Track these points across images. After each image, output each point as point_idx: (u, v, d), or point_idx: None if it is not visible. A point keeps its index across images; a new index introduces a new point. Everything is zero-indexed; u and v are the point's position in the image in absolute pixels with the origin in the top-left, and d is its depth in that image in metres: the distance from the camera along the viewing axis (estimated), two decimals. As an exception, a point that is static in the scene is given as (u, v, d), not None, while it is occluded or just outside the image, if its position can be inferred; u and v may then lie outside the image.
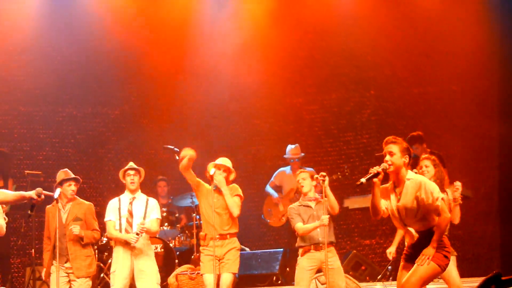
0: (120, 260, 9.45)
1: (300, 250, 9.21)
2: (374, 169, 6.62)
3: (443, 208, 6.63)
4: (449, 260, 6.69)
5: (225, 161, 9.40)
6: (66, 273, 9.38)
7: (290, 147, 12.13)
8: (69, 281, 9.42)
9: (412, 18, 12.40)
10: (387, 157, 6.72)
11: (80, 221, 9.48)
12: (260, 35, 12.81)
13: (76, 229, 9.34)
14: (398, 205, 6.71)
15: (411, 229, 6.73)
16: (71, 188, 9.51)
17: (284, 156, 12.09)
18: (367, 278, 11.12)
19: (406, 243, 6.89)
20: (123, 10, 12.83)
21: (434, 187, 6.72)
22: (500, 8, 11.85)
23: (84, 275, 9.46)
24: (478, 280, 10.40)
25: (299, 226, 9.00)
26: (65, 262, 9.37)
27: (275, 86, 13.26)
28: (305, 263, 9.10)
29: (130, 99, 13.58)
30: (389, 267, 11.14)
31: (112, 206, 9.72)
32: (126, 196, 9.71)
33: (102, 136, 13.56)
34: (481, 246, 11.56)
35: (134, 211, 9.58)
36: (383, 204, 6.77)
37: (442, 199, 6.65)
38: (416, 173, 7.19)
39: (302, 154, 12.08)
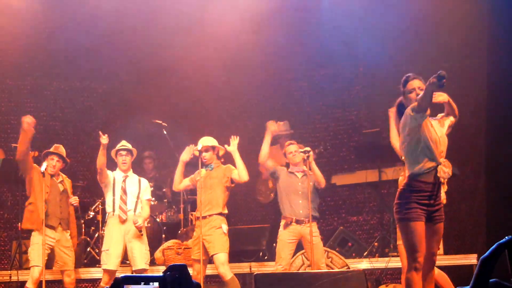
0: (114, 239, 9.54)
1: (282, 222, 9.36)
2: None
3: None
4: None
5: (209, 140, 9.60)
6: (51, 243, 9.47)
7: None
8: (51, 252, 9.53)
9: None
10: (419, 91, 6.61)
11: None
12: (249, 11, 12.73)
13: (75, 200, 9.90)
14: (439, 136, 6.64)
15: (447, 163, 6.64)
16: (52, 163, 9.66)
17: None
18: (353, 254, 11.16)
19: (419, 194, 6.53)
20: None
21: None
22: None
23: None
24: (464, 257, 10.52)
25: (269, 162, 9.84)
26: (62, 232, 9.53)
27: (264, 62, 13.23)
28: (285, 236, 9.29)
29: (118, 73, 13.52)
30: (376, 244, 11.19)
31: (109, 178, 9.84)
32: (119, 174, 9.83)
33: (90, 111, 13.53)
34: (467, 223, 11.59)
35: (128, 189, 9.72)
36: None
37: None
38: None
39: (291, 131, 12.08)
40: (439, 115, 6.94)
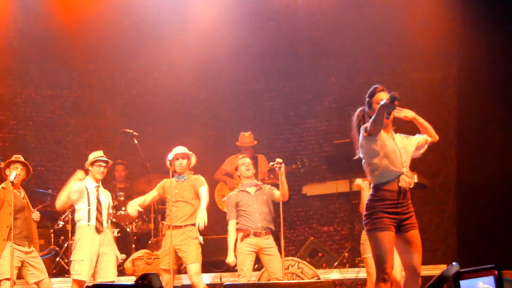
0: (89, 250, 9.41)
1: (240, 235, 9.34)
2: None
3: None
4: None
5: (182, 149, 9.58)
6: (21, 256, 9.33)
7: (243, 134, 12.06)
8: (21, 266, 9.39)
9: (374, 7, 12.41)
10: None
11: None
12: (221, 21, 12.75)
13: (37, 216, 9.66)
14: (400, 147, 6.64)
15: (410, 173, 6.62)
16: (17, 172, 9.48)
17: (237, 143, 12.05)
18: (324, 265, 11.16)
19: (384, 203, 6.46)
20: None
21: None
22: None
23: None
24: (434, 268, 10.55)
25: (231, 223, 9.43)
26: (30, 246, 9.41)
27: (235, 72, 13.24)
28: (244, 249, 9.28)
29: (90, 82, 13.47)
30: (346, 254, 11.20)
31: (79, 191, 9.63)
32: (91, 183, 9.66)
33: (61, 119, 13.44)
34: (438, 234, 11.65)
35: (101, 200, 9.62)
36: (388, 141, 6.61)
37: None
38: None
39: (255, 142, 12.07)
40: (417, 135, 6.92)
